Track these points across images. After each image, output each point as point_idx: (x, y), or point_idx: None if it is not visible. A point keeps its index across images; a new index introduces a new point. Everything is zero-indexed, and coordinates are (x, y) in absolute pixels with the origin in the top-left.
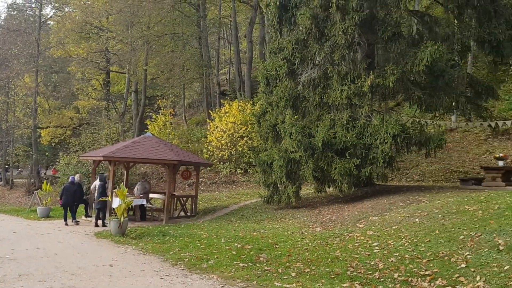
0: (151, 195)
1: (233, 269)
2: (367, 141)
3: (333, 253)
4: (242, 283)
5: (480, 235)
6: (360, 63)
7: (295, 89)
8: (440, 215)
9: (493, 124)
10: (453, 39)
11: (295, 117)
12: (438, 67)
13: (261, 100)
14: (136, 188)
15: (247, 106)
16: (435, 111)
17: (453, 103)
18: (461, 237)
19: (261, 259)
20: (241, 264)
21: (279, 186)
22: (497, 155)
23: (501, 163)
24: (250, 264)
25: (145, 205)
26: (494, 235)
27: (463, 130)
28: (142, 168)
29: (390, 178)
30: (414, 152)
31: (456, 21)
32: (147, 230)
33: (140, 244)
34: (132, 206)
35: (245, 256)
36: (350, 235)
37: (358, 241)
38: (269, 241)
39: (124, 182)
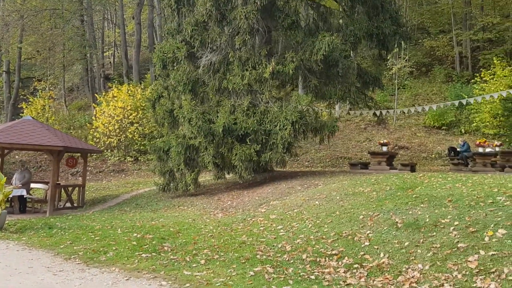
0: (31, 185)
1: (136, 260)
2: (267, 127)
3: (239, 238)
4: (149, 274)
5: (378, 214)
6: (260, 49)
7: (194, 73)
8: (338, 197)
9: (378, 113)
10: (346, 31)
11: (194, 102)
12: (333, 57)
13: (154, 84)
14: (14, 178)
15: (138, 91)
16: (329, 99)
17: (345, 92)
18: (361, 216)
19: (166, 248)
20: (144, 255)
21: (176, 173)
22: (381, 141)
23: (384, 149)
24: (154, 254)
25: (25, 196)
26: (391, 213)
27: (345, 119)
28: (16, 156)
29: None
30: (310, 138)
31: (347, 14)
32: (30, 223)
33: (24, 238)
34: (9, 197)
35: (147, 246)
36: (253, 219)
37: (262, 225)
38: (171, 229)
39: None
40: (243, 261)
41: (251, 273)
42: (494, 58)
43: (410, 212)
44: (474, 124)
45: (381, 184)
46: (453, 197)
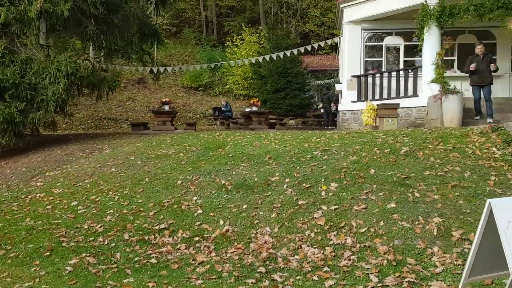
0: None
1: None
2: (33, 80)
3: (22, 223)
4: None
5: (199, 178)
6: None
7: None
8: (139, 162)
9: (155, 70)
10: None
11: None
12: (113, 0)
13: None
14: None
15: None
16: (108, 50)
17: (127, 43)
18: (179, 182)
19: None
20: None
21: None
22: (163, 100)
23: (166, 108)
24: None
25: None
26: (213, 175)
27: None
28: None
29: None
30: (86, 94)
31: None
32: None
33: None
34: None
35: None
36: (30, 196)
37: (48, 202)
38: None
39: None
40: (47, 253)
41: (68, 268)
42: (243, 24)
43: (234, 173)
44: (227, 86)
45: (182, 145)
46: (270, 154)
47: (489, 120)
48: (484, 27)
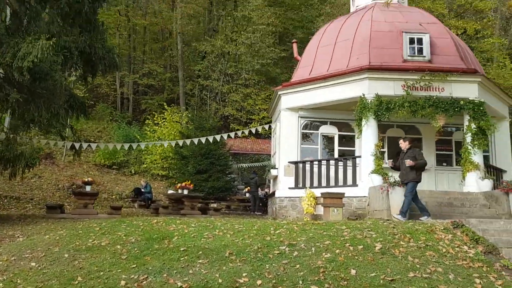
0: None
1: None
2: None
3: None
4: None
5: (147, 278)
6: None
7: None
8: (66, 255)
9: (77, 145)
10: (60, 41)
11: None
12: (42, 68)
13: None
14: None
15: None
16: (31, 122)
17: (52, 115)
18: (123, 282)
19: None
20: None
21: None
22: (86, 180)
23: (88, 188)
24: None
25: None
26: (165, 275)
27: None
28: None
29: None
30: None
31: (62, 20)
32: None
33: None
34: None
35: None
36: None
37: None
38: None
39: None
40: None
41: None
42: (165, 103)
43: (190, 272)
44: (145, 165)
45: (115, 234)
46: (230, 249)
47: (425, 217)
48: (411, 122)
